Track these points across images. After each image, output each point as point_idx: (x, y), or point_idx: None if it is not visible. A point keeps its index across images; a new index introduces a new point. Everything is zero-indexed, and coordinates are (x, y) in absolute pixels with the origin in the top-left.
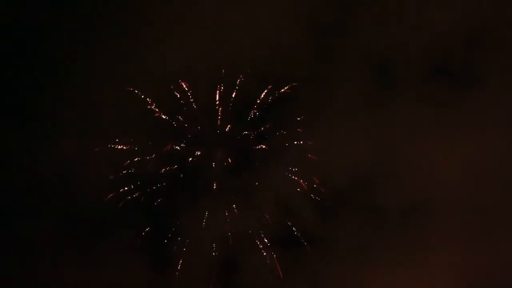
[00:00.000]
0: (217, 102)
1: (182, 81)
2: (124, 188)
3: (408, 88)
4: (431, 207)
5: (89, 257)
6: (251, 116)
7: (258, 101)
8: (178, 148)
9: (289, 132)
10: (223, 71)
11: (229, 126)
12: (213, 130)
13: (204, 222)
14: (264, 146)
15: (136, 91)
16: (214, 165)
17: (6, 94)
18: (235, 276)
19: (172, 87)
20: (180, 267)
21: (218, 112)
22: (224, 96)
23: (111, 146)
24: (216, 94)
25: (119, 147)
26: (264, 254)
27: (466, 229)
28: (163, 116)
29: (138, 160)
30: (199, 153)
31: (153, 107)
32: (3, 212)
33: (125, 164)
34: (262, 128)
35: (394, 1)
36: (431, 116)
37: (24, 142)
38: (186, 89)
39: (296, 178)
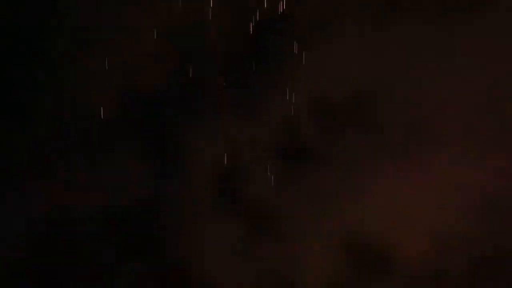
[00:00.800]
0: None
1: None
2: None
3: (415, 5)
4: (432, 124)
5: (89, 161)
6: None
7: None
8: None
9: (289, 49)
10: None
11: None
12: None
13: (205, 133)
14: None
15: None
16: (215, 81)
17: None
18: (236, 187)
19: None
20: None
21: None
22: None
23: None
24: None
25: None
26: (264, 166)
27: (467, 147)
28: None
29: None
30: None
31: None
32: None
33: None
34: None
35: None
36: (437, 36)
37: None
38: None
39: (296, 93)
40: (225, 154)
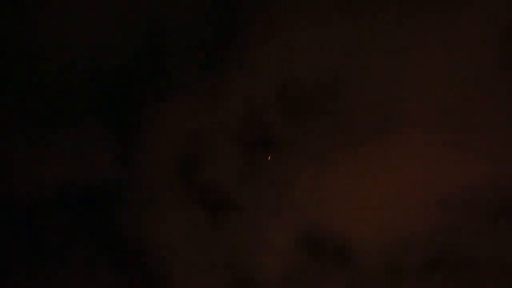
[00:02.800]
0: None
1: None
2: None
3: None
4: (396, 117)
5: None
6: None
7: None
8: None
9: (256, 33)
10: None
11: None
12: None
13: (168, 117)
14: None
15: None
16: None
17: None
18: (197, 173)
19: None
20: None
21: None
22: None
23: None
24: None
25: None
26: (228, 152)
27: (430, 141)
28: None
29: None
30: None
31: None
32: None
33: None
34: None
35: None
36: (408, 25)
37: None
38: None
39: (263, 79)
40: (187, 140)
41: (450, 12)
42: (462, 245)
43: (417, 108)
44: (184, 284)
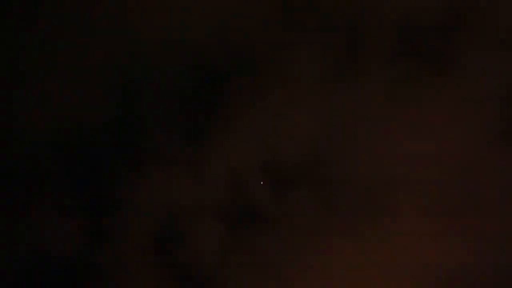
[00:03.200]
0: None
1: None
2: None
3: (376, 64)
4: (391, 187)
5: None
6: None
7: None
8: None
9: (244, 102)
10: None
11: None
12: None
13: (148, 191)
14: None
15: None
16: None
17: None
18: (177, 250)
19: None
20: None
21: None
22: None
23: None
24: None
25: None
26: (210, 229)
27: (421, 223)
28: None
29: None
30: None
31: None
32: None
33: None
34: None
35: None
36: (397, 95)
37: None
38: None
39: (249, 150)
40: (165, 214)
41: (445, 83)
42: None
43: (411, 184)
44: None
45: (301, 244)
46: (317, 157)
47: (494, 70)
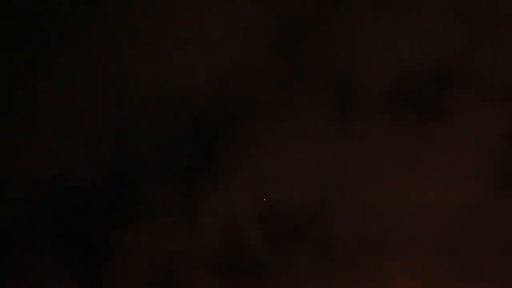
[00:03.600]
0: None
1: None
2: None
3: (370, 116)
4: (387, 242)
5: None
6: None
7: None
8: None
9: (239, 153)
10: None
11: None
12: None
13: (141, 243)
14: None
15: None
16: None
17: None
18: None
19: None
20: None
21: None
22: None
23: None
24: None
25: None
26: (205, 280)
27: (424, 266)
28: None
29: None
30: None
31: None
32: None
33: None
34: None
35: (365, 27)
36: (392, 148)
37: None
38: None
39: (244, 200)
40: (159, 265)
41: (443, 131)
42: None
43: (409, 233)
44: None
45: None
46: (313, 207)
47: (488, 118)
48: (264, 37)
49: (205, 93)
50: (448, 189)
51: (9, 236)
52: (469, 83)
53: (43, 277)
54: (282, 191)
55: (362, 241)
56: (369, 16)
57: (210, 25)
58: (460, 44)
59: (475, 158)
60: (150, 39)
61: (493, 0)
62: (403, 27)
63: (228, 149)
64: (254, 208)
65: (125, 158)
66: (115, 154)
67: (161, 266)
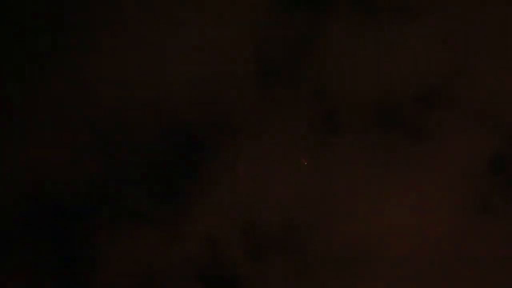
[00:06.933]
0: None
1: None
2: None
3: (352, 135)
4: (366, 257)
5: None
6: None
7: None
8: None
9: (222, 165)
10: None
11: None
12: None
13: (123, 253)
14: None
15: None
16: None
17: None
18: None
19: None
20: None
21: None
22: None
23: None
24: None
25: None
26: None
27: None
28: None
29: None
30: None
31: None
32: None
33: None
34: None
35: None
36: (373, 166)
37: None
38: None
39: (227, 214)
40: (140, 278)
41: (423, 153)
42: None
43: (388, 253)
44: None
45: None
46: (294, 224)
47: (469, 140)
48: (250, 49)
49: (189, 105)
50: (428, 206)
51: None
52: (450, 104)
53: (23, 286)
54: (263, 204)
55: (342, 256)
56: (356, 33)
57: (195, 36)
58: (444, 66)
59: (455, 178)
60: (134, 50)
61: (477, 24)
62: (389, 46)
63: (211, 161)
64: (236, 220)
65: (108, 168)
66: (98, 164)
67: (142, 275)
